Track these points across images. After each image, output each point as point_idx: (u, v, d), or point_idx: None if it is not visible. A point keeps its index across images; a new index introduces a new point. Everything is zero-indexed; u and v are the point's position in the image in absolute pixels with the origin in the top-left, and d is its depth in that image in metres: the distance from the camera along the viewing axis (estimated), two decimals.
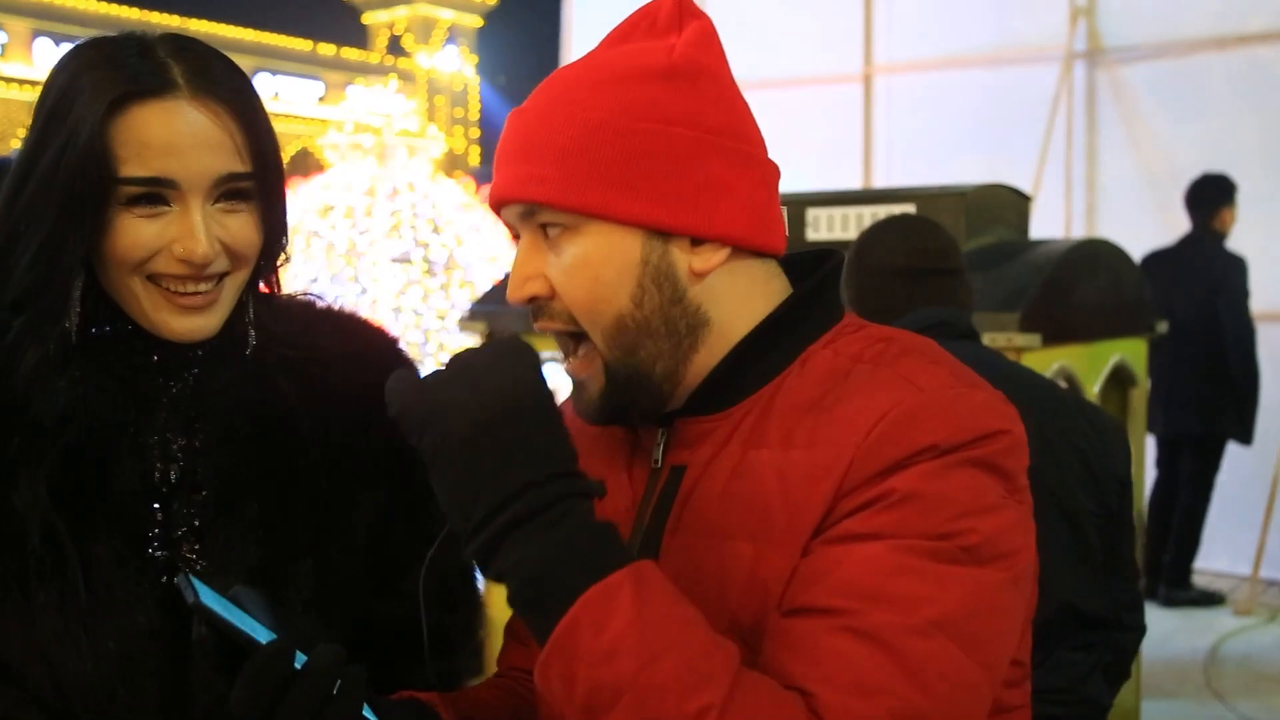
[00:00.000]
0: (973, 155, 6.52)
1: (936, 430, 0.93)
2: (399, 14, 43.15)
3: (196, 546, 1.14)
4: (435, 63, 41.94)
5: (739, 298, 1.05)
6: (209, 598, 1.00)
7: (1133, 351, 3.21)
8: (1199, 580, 5.58)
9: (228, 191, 1.10)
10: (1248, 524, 5.59)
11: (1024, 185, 4.87)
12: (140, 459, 1.15)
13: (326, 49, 39.52)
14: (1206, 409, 5.22)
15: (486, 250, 9.74)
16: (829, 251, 1.11)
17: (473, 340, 3.59)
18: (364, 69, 37.86)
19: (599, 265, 1.00)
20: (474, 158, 39.90)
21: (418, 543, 1.22)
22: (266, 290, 1.22)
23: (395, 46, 42.60)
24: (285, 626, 1.01)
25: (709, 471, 1.02)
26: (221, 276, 1.12)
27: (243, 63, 1.21)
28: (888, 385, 0.97)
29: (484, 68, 45.19)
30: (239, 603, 1.06)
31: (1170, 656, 4.65)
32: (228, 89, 1.10)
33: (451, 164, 11.04)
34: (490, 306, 3.45)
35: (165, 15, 30.05)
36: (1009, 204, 3.17)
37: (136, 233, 1.07)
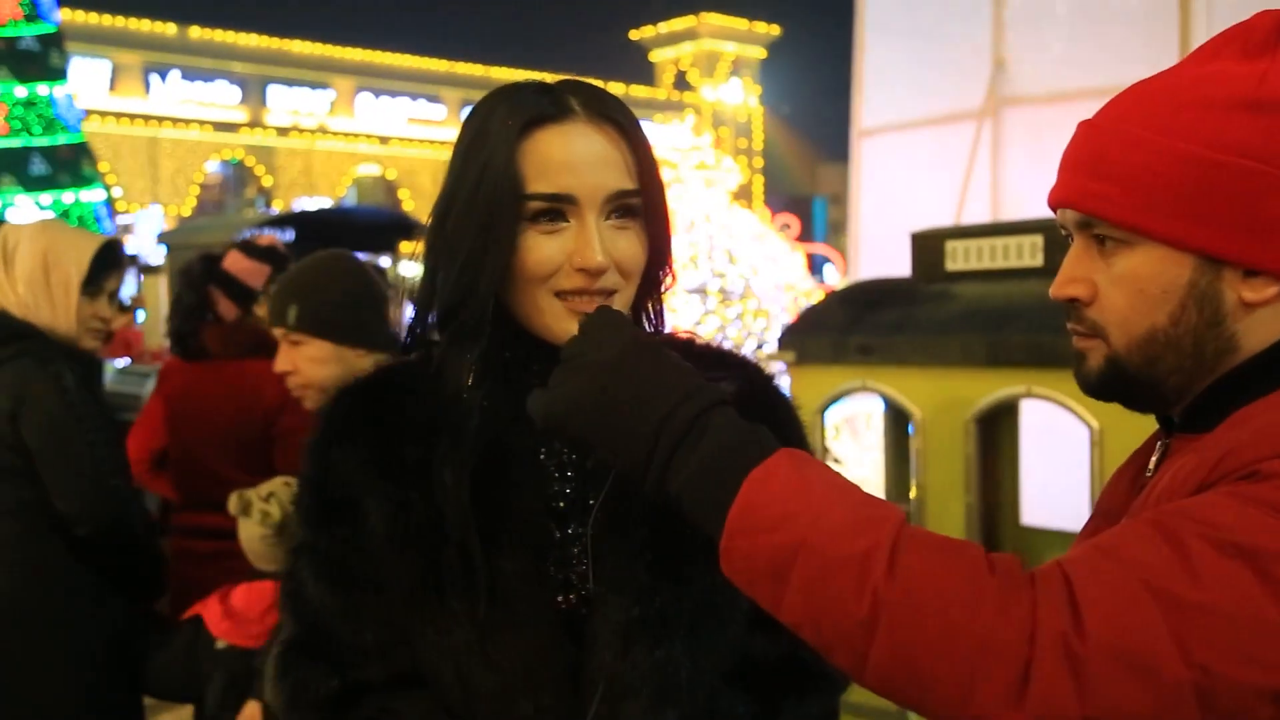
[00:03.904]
0: None
1: None
2: (685, 50, 44.15)
3: (588, 566, 1.19)
4: (719, 95, 42.61)
5: (1275, 335, 1.05)
6: None
7: None
8: None
9: (619, 208, 1.18)
10: None
11: None
12: (539, 478, 1.22)
13: (616, 87, 40.86)
14: None
15: (781, 279, 9.81)
16: None
17: (779, 367, 3.63)
18: (651, 105, 39.02)
19: (1146, 281, 1.04)
20: (758, 188, 40.22)
21: None
22: (653, 318, 1.28)
23: (681, 82, 43.60)
24: None
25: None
26: (611, 293, 1.19)
27: None
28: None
29: (767, 98, 45.57)
30: None
31: None
32: (619, 114, 1.20)
33: (737, 195, 11.14)
34: (799, 335, 3.48)
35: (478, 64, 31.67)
36: None
37: (540, 248, 1.16)
